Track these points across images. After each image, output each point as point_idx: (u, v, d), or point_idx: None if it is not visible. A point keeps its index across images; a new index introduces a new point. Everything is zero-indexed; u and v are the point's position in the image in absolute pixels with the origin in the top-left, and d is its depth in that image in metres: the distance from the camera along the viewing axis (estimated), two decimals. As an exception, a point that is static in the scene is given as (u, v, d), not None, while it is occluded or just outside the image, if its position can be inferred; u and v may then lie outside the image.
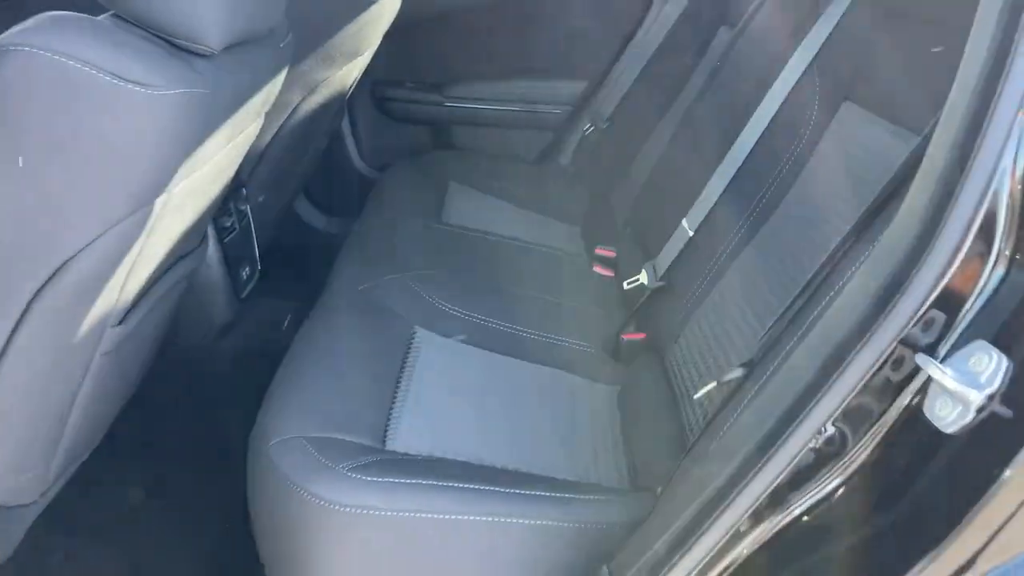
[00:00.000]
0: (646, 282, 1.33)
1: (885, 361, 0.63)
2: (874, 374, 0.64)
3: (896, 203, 0.73)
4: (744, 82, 1.43)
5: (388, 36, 1.84)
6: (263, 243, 1.86)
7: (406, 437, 1.03)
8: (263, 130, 1.52)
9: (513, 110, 2.16)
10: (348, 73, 1.64)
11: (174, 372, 1.48)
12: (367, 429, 1.01)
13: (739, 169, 1.27)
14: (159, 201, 0.87)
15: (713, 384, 0.84)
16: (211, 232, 1.39)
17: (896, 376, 0.63)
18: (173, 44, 0.86)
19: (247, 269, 1.52)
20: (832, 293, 0.80)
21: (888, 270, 0.65)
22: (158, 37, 0.85)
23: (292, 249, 2.28)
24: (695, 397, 0.94)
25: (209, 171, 1.01)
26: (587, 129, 2.12)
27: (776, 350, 0.83)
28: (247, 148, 1.23)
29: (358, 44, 1.56)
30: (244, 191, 1.53)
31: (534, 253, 1.64)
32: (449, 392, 1.13)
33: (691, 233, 1.29)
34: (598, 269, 1.63)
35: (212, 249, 1.40)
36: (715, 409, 0.85)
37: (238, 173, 1.50)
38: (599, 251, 1.69)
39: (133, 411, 1.33)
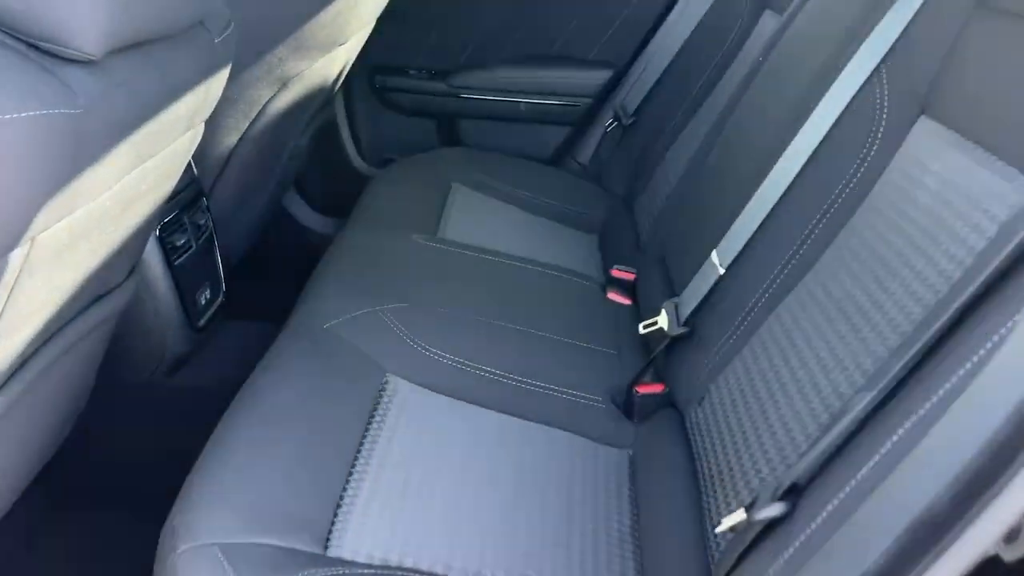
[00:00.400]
0: (666, 327, 1.11)
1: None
2: None
3: None
4: (792, 83, 1.19)
5: (387, 18, 1.62)
6: (248, 248, 1.67)
7: (355, 537, 0.82)
8: (225, 131, 1.32)
9: (528, 102, 1.93)
10: (329, 65, 1.42)
11: (120, 412, 1.29)
12: (306, 528, 0.81)
13: (784, 194, 1.04)
14: (15, 255, 0.67)
15: (741, 517, 0.63)
16: (157, 254, 1.19)
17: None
18: (38, 49, 0.65)
19: (207, 293, 1.32)
20: (942, 390, 0.57)
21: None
22: (15, 39, 0.65)
23: (284, 252, 2.09)
24: (717, 531, 0.72)
25: (114, 201, 0.81)
26: (609, 125, 1.88)
27: (836, 472, 0.61)
28: (185, 161, 1.02)
29: (337, 33, 1.34)
30: (205, 201, 1.32)
31: (540, 277, 1.42)
32: (420, 470, 0.93)
33: (721, 271, 1.07)
34: (613, 296, 1.41)
35: (158, 273, 1.20)
36: (744, 546, 0.64)
37: (195, 181, 1.31)
38: (616, 272, 1.47)
39: (72, 457, 1.15)
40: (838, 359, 0.78)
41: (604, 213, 1.81)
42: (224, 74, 0.97)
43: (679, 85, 1.72)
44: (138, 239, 1.00)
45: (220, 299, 1.36)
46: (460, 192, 1.75)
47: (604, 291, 1.42)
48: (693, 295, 1.10)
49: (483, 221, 1.65)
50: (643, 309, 1.33)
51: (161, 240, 1.19)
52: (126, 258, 1.01)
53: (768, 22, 1.54)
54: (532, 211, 1.78)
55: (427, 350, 1.13)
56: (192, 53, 0.86)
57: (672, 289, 1.22)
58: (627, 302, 1.40)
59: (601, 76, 1.91)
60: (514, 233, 1.65)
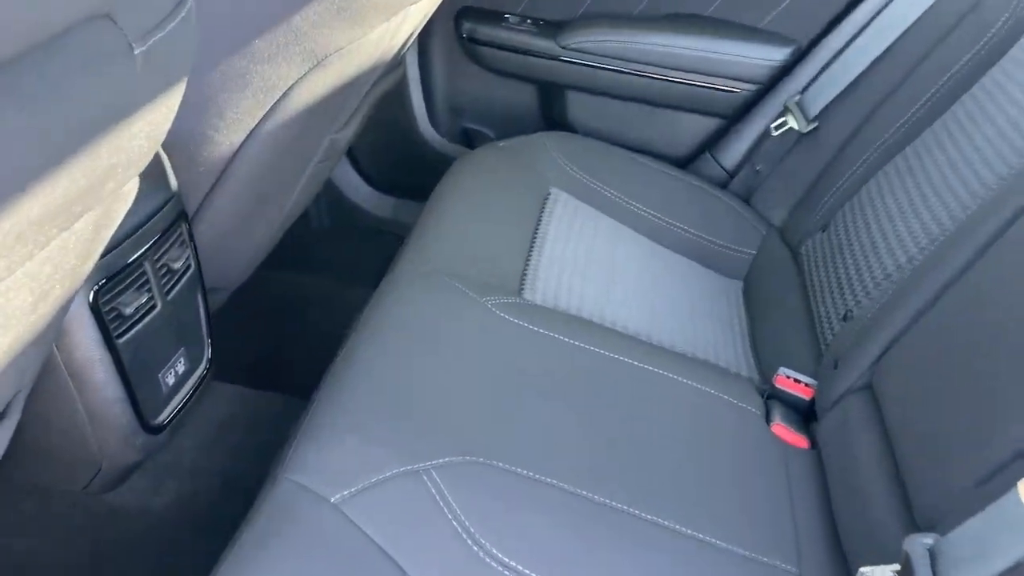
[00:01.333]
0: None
1: None
2: None
3: None
4: None
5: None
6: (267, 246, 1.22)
7: None
8: (226, 125, 0.86)
9: (663, 79, 1.41)
10: (391, 34, 0.93)
11: (35, 528, 0.89)
12: None
13: None
14: None
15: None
16: (90, 328, 0.76)
17: None
18: None
19: (178, 366, 0.88)
20: None
21: None
22: None
23: (322, 237, 1.64)
24: None
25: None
26: (776, 125, 1.36)
27: None
28: (108, 234, 0.57)
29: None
30: (186, 229, 0.88)
31: (665, 401, 0.93)
32: None
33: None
34: (780, 431, 0.93)
35: (91, 356, 0.77)
36: None
37: (173, 200, 0.86)
38: (784, 382, 0.99)
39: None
40: None
41: (754, 251, 1.31)
42: (172, 97, 0.50)
43: (897, 89, 1.18)
44: (36, 334, 0.56)
45: (202, 369, 0.93)
46: (560, 203, 1.27)
47: (767, 419, 0.94)
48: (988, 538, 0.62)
49: (586, 257, 1.18)
50: (834, 450, 0.86)
51: (96, 309, 0.75)
52: (12, 373, 0.58)
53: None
54: (655, 237, 1.30)
55: (491, 557, 0.68)
56: (89, 68, 0.40)
57: (906, 500, 0.74)
58: (804, 444, 0.92)
59: (772, 55, 1.37)
60: (629, 281, 1.18)
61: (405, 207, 1.63)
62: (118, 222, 0.56)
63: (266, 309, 1.38)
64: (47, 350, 0.62)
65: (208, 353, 0.93)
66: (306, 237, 1.48)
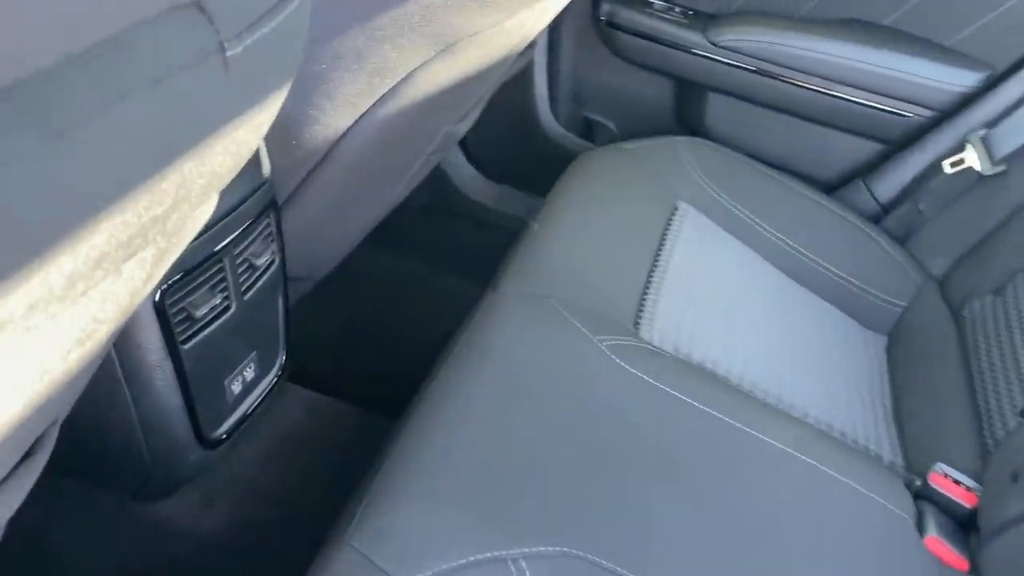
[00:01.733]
0: None
1: None
2: None
3: None
4: None
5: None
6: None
7: None
8: (333, 108, 0.75)
9: (825, 92, 1.23)
10: (535, 18, 0.80)
11: (94, 534, 0.81)
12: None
13: None
14: None
15: None
16: (154, 332, 0.66)
17: None
18: None
19: (247, 371, 0.78)
20: None
21: None
22: None
23: (415, 214, 1.53)
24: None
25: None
26: (953, 161, 1.17)
27: None
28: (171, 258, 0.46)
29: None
30: (274, 220, 0.77)
31: (791, 476, 0.79)
32: None
33: None
34: (935, 546, 0.77)
35: (153, 361, 0.67)
36: None
37: (263, 187, 0.75)
38: (938, 480, 0.83)
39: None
40: None
41: (905, 303, 1.14)
42: (267, 109, 0.38)
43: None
44: (73, 383, 0.46)
45: (273, 376, 0.82)
46: (688, 220, 1.12)
47: (919, 527, 0.79)
48: None
49: (712, 290, 1.03)
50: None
51: (161, 310, 0.65)
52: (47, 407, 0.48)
53: None
54: (791, 272, 1.14)
55: None
56: (163, 73, 0.28)
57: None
58: (963, 567, 0.76)
59: (959, 80, 1.17)
60: (759, 324, 1.03)
61: (510, 196, 1.50)
62: (179, 252, 0.44)
63: (346, 292, 1.27)
64: (85, 382, 0.51)
65: (282, 359, 0.83)
66: (399, 213, 1.37)
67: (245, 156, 0.39)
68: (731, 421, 0.81)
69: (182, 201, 0.36)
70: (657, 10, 1.30)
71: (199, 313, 0.68)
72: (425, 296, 1.29)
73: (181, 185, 0.35)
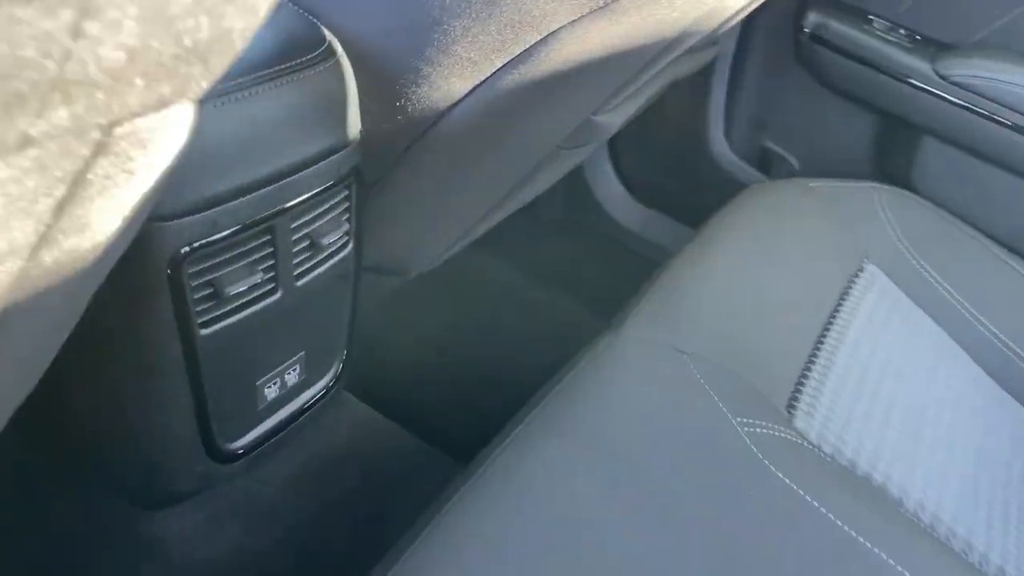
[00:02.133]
0: None
1: None
2: None
3: None
4: None
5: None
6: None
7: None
8: (440, 73, 0.58)
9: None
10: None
11: (84, 540, 0.68)
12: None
13: None
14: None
15: None
16: (163, 310, 0.51)
17: None
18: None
19: (288, 380, 0.63)
20: None
21: None
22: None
23: (545, 226, 1.36)
24: None
25: None
26: None
27: None
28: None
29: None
30: (352, 197, 0.61)
31: None
32: None
33: None
34: None
35: (158, 341, 0.52)
36: None
37: (349, 158, 0.60)
38: None
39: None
40: None
41: None
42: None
43: None
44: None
45: (324, 384, 0.66)
46: (875, 288, 0.90)
47: None
48: None
49: (893, 381, 0.80)
50: None
51: (177, 280, 0.50)
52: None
53: None
54: (996, 372, 0.89)
55: None
56: None
57: None
58: None
59: None
60: (949, 435, 0.79)
61: (659, 223, 1.31)
62: (138, 189, 0.28)
63: (439, 300, 1.11)
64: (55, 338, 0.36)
65: (338, 367, 0.67)
66: (523, 219, 1.20)
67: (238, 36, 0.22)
68: (905, 570, 0.58)
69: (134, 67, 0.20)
70: (877, 29, 1.07)
71: (230, 291, 0.53)
72: (530, 320, 1.12)
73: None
